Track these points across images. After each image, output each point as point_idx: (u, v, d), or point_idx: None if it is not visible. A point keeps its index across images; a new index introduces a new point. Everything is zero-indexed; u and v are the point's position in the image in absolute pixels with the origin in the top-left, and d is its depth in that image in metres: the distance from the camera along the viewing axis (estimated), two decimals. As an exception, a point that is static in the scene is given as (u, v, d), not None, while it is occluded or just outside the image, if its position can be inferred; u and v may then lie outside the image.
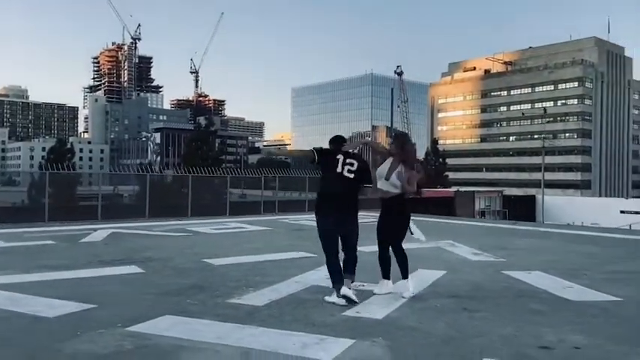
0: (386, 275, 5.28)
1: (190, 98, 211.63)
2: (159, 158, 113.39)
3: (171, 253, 8.09)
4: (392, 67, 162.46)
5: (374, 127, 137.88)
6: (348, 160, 4.93)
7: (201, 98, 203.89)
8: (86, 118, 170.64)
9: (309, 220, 14.40)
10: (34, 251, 8.38)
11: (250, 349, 3.58)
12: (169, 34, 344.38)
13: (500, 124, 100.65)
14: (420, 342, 3.83)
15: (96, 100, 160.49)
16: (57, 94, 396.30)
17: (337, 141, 5.15)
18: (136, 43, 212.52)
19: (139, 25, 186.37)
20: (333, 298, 4.82)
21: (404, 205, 5.13)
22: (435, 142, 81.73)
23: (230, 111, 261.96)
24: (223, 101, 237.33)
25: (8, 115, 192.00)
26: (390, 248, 5.19)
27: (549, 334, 4.04)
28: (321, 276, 6.11)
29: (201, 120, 66.37)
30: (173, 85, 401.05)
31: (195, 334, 3.86)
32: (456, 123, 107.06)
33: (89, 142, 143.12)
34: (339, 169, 4.90)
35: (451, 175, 72.01)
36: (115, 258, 7.56)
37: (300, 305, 4.82)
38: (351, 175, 4.90)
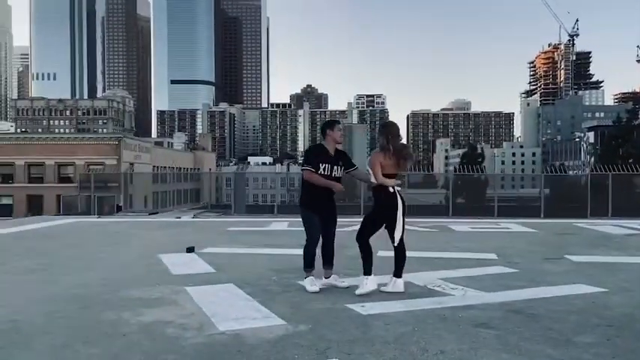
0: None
1: (637, 90, 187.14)
2: (592, 159, 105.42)
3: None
4: None
5: None
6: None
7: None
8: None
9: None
10: (282, 234, 10.38)
11: (200, 309, 4.32)
12: (611, 24, 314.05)
13: None
14: (334, 338, 3.62)
15: (528, 104, 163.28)
16: (496, 103, 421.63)
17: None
18: (573, 40, 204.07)
19: (577, 20, 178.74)
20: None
21: (378, 196, 4.77)
22: None
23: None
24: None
25: (452, 126, 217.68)
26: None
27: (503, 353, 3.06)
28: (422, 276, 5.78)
29: (622, 113, 58.75)
30: (616, 78, 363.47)
31: (199, 296, 4.78)
32: None
33: (521, 147, 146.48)
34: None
35: None
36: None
37: (323, 292, 4.94)
38: None
